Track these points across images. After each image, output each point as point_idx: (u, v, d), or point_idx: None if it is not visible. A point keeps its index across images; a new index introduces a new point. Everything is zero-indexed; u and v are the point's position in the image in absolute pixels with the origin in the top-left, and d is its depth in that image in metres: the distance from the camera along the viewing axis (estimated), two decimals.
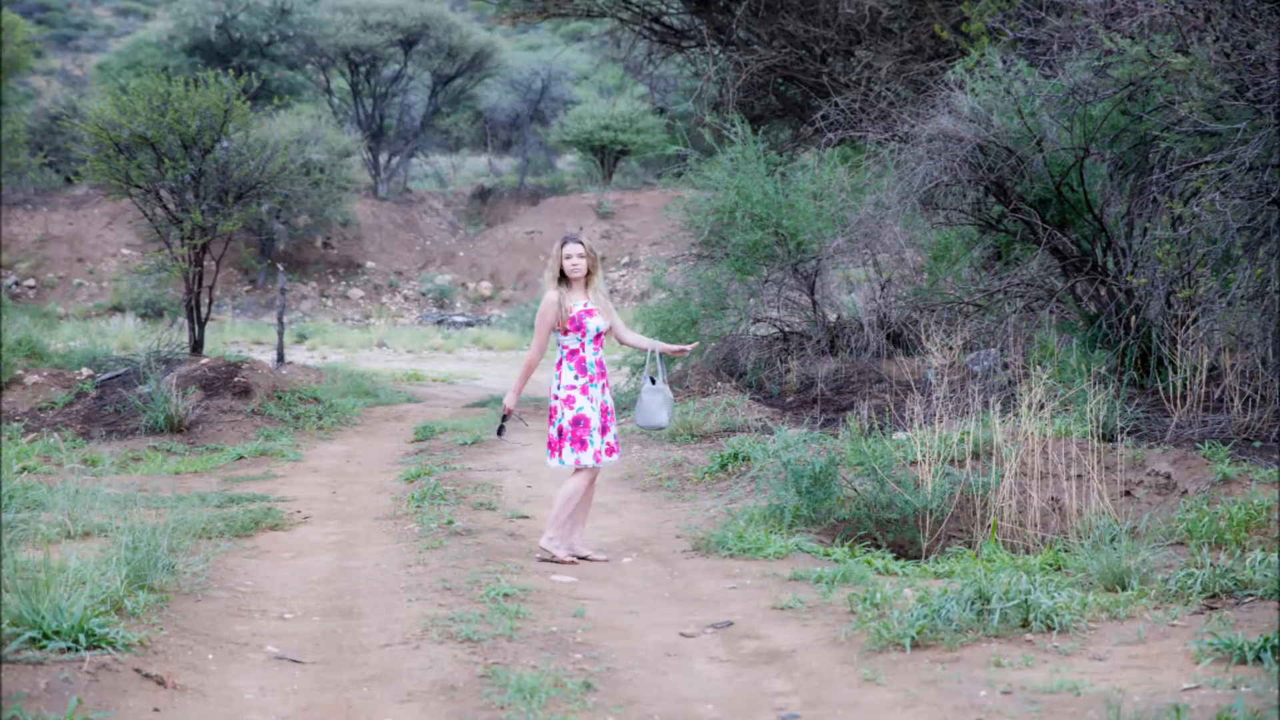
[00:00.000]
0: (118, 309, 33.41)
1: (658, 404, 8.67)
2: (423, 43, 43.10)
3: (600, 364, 8.53)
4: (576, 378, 8.40)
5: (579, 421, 8.37)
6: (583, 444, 8.38)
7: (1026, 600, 6.13)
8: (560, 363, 8.50)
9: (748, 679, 5.95)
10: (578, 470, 8.46)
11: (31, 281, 36.00)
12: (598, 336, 8.48)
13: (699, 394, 14.08)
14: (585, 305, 8.47)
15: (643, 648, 6.46)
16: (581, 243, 8.47)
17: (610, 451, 8.56)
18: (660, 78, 38.42)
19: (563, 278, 8.48)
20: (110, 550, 7.02)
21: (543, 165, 46.08)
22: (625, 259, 38.62)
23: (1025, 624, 6.08)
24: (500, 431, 8.90)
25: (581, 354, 8.44)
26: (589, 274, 8.51)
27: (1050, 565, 7.43)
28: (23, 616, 5.73)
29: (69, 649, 5.64)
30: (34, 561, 6.46)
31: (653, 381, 8.68)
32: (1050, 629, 6.07)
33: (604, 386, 8.54)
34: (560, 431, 8.42)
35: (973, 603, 6.14)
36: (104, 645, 5.73)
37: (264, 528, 9.47)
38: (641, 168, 44.22)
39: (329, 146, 35.77)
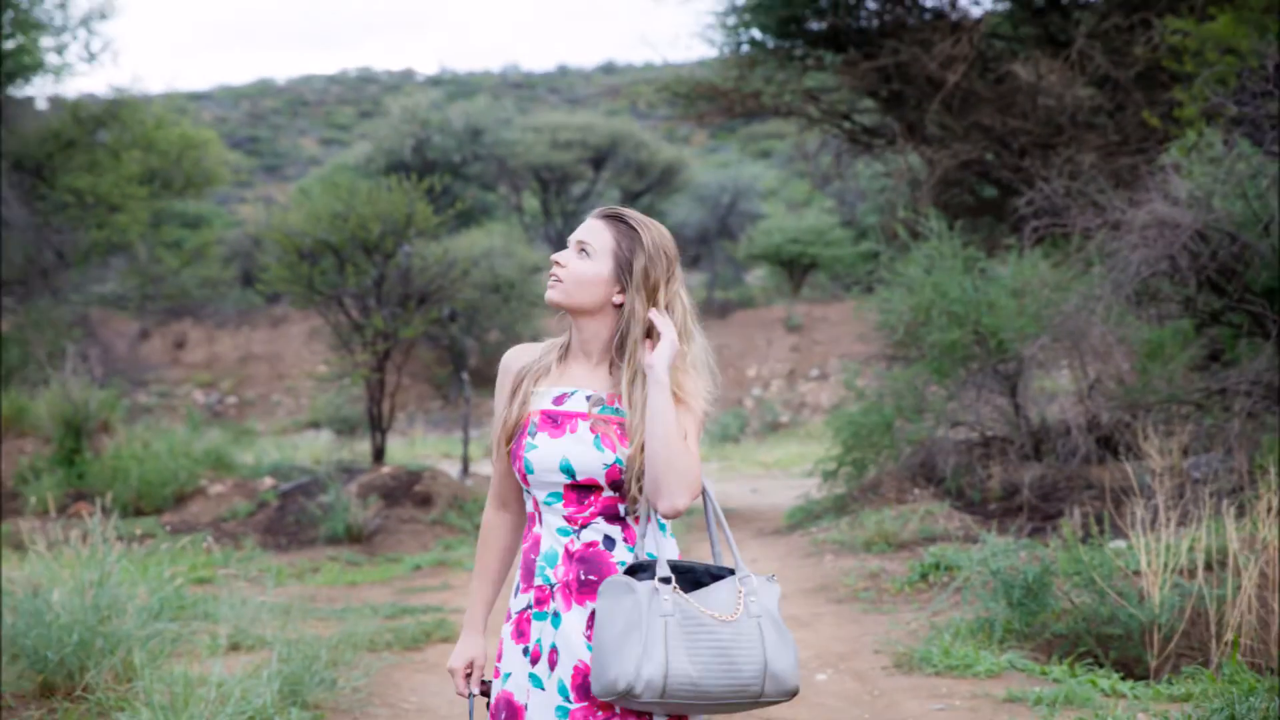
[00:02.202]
0: (314, 425, 33.87)
1: (620, 631, 3.10)
2: (612, 160, 43.47)
3: (587, 557, 3.29)
4: (517, 592, 3.39)
5: (498, 713, 3.36)
6: None
7: None
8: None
9: None
10: None
11: (233, 399, 36.86)
12: (582, 490, 3.30)
13: (895, 501, 13.30)
14: (555, 397, 3.38)
15: None
16: (625, 221, 3.37)
17: None
18: (847, 190, 37.92)
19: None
20: (264, 663, 6.59)
21: (730, 279, 45.78)
22: (815, 372, 37.91)
23: None
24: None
25: (536, 530, 3.37)
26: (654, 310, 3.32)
27: None
28: None
29: None
30: (183, 675, 6.06)
31: (636, 574, 3.20)
32: None
33: (592, 619, 3.23)
34: None
35: None
36: None
37: (435, 639, 8.99)
38: (830, 280, 43.63)
39: (519, 264, 35.99)
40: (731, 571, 3.23)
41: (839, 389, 34.39)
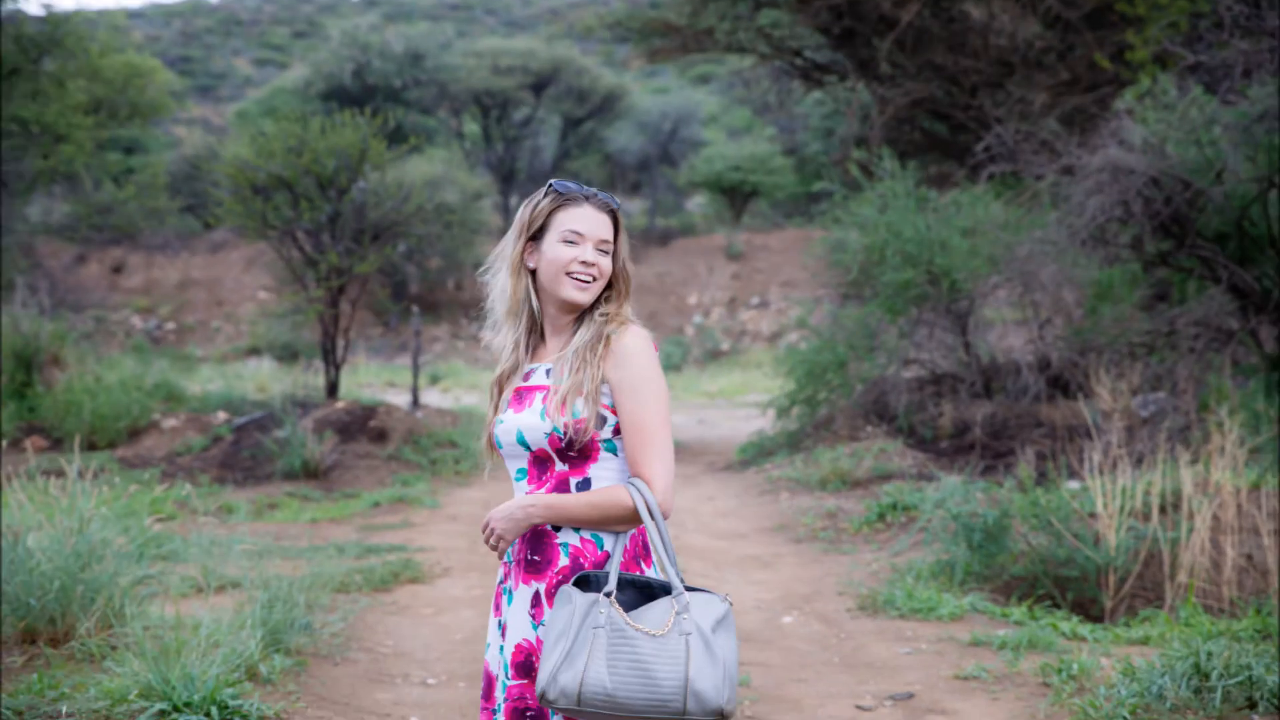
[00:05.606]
0: (254, 351, 33.64)
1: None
2: (553, 86, 43.22)
3: (534, 535, 3.37)
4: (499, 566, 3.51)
5: (483, 681, 3.50)
6: None
7: (1250, 677, 5.48)
8: None
9: None
10: None
11: (172, 325, 36.49)
12: (541, 464, 3.37)
13: (848, 439, 13.49)
14: (525, 374, 3.52)
15: None
16: (613, 212, 3.46)
17: None
18: (792, 117, 37.91)
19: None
20: (245, 609, 6.65)
21: (672, 207, 45.77)
22: (755, 300, 38.07)
23: (1251, 704, 5.44)
24: None
25: None
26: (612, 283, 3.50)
27: (1258, 632, 6.75)
28: (152, 686, 5.35)
29: None
30: (166, 619, 6.13)
31: (589, 581, 3.28)
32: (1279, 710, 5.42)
33: (536, 599, 3.34)
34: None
35: (1189, 679, 5.51)
36: (237, 718, 5.34)
37: (403, 580, 9.06)
38: (771, 208, 43.70)
39: (461, 189, 35.77)
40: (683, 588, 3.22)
41: (780, 317, 34.64)
